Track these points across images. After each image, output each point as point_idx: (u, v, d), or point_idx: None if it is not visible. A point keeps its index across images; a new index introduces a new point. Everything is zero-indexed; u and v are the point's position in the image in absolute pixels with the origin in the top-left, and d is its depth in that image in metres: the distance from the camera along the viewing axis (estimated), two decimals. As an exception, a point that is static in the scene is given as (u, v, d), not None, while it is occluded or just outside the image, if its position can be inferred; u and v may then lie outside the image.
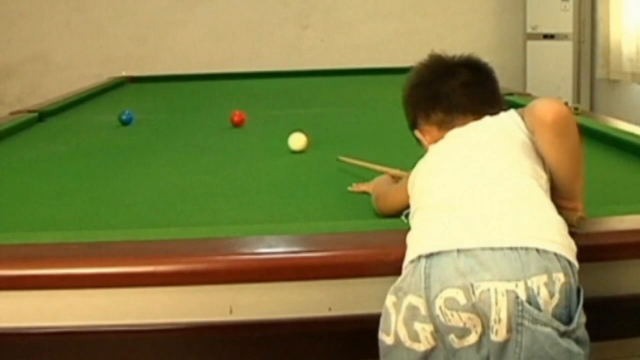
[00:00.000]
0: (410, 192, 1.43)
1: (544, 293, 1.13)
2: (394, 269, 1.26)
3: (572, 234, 1.26)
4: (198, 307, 1.35)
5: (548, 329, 1.13)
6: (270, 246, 1.41)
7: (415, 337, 1.17)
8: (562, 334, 1.14)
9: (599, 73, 5.99)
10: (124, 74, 4.99)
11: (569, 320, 1.16)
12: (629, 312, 1.41)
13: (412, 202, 1.40)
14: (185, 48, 6.20)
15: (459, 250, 1.17)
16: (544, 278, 1.14)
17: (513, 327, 1.12)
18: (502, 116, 1.42)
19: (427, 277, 1.17)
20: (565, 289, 1.16)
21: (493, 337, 1.13)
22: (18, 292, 1.35)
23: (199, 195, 1.96)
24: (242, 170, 2.27)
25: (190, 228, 1.55)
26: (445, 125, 1.50)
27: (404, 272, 1.23)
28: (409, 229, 1.32)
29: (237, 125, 3.01)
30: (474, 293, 1.14)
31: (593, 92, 6.17)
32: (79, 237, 1.49)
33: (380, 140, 2.64)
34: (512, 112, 1.40)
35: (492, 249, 1.15)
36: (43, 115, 3.31)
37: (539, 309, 1.13)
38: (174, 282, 1.35)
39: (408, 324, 1.18)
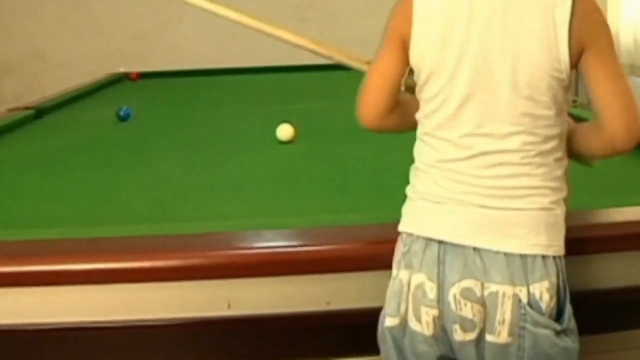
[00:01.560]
0: (411, 58, 1.25)
1: (545, 298, 1.15)
2: (392, 262, 1.26)
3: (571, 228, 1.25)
4: (196, 302, 1.35)
5: (548, 331, 1.15)
6: (267, 240, 1.41)
7: (418, 319, 1.19)
8: (559, 332, 1.16)
9: (597, 65, 5.97)
10: (121, 70, 4.98)
11: (558, 316, 1.18)
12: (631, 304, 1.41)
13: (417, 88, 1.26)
14: (183, 44, 6.18)
15: (474, 249, 1.17)
16: (545, 284, 1.15)
17: (515, 331, 1.14)
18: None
19: (442, 262, 1.18)
20: (559, 290, 1.18)
21: (493, 338, 1.15)
22: (15, 288, 1.35)
23: (196, 190, 1.96)
24: (239, 164, 2.27)
25: (188, 223, 1.55)
26: None
27: (405, 238, 1.23)
28: None
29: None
30: (484, 291, 1.16)
31: (591, 84, 6.15)
32: (76, 233, 1.49)
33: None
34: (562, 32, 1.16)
35: (505, 254, 1.16)
36: (40, 112, 3.31)
37: (541, 312, 1.15)
38: (172, 278, 1.35)
39: (415, 303, 1.19)
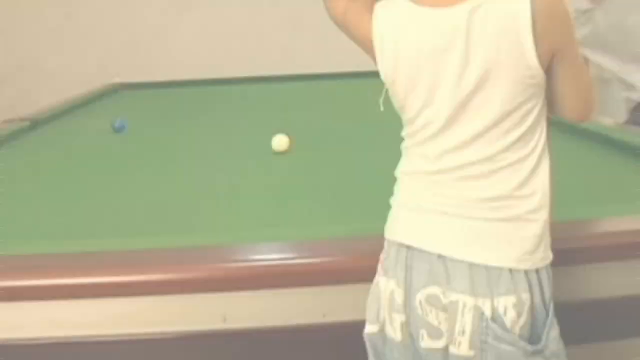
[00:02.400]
0: (385, 80, 1.26)
1: (511, 314, 1.13)
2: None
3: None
4: (191, 316, 1.34)
5: (512, 348, 1.12)
6: (263, 253, 1.41)
7: (390, 324, 1.20)
8: (532, 354, 1.13)
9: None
10: (116, 80, 4.98)
11: (534, 336, 1.15)
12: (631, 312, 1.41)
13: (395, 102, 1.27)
14: (178, 54, 6.18)
15: (439, 256, 1.17)
16: (512, 299, 1.13)
17: (477, 345, 1.13)
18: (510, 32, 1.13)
19: (410, 268, 1.19)
20: (532, 308, 1.15)
21: (454, 349, 1.14)
22: (9, 303, 1.34)
23: (191, 202, 1.95)
24: (234, 175, 2.26)
25: (183, 236, 1.54)
26: None
27: (386, 244, 1.25)
28: None
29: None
30: (446, 299, 1.15)
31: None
32: (70, 246, 1.48)
33: (372, 142, 2.63)
34: (524, 29, 1.12)
35: (470, 264, 1.14)
36: (35, 123, 3.30)
37: (504, 328, 1.12)
38: (167, 291, 1.35)
39: (390, 310, 1.20)
